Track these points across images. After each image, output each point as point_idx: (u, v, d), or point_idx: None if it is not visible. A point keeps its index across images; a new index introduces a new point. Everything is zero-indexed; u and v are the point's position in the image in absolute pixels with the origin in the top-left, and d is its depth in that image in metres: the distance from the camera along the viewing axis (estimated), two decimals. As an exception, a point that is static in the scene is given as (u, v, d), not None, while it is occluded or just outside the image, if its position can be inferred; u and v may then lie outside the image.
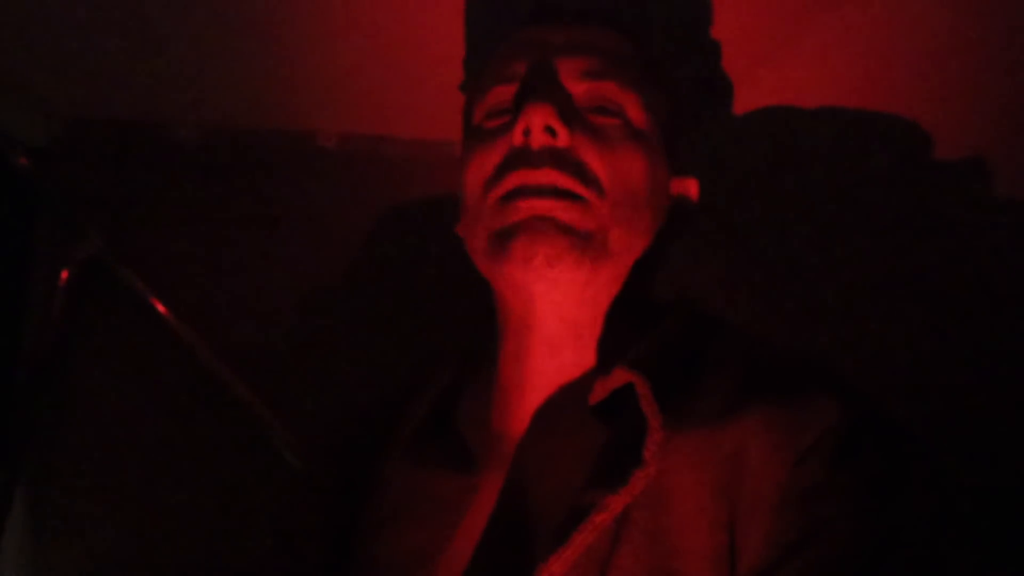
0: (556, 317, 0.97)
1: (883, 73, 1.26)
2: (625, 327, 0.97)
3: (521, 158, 0.93)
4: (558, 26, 1.01)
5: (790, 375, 0.90)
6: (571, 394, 0.97)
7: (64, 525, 1.38)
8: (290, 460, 1.36)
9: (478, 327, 1.08)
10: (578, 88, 0.97)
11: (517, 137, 0.94)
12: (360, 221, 1.47)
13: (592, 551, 0.84)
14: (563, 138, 0.93)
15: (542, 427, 0.97)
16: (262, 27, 1.28)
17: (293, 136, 1.47)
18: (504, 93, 0.99)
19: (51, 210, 1.43)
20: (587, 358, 0.98)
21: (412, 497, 1.00)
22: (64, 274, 1.39)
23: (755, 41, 1.23)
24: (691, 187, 1.07)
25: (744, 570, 0.82)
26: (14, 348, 1.42)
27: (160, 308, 1.39)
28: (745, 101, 1.31)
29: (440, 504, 0.97)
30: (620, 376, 0.91)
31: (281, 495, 1.34)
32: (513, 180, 0.93)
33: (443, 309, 1.38)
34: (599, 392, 0.92)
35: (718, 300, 1.34)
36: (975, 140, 1.30)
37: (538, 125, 0.92)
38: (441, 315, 1.38)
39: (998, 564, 1.23)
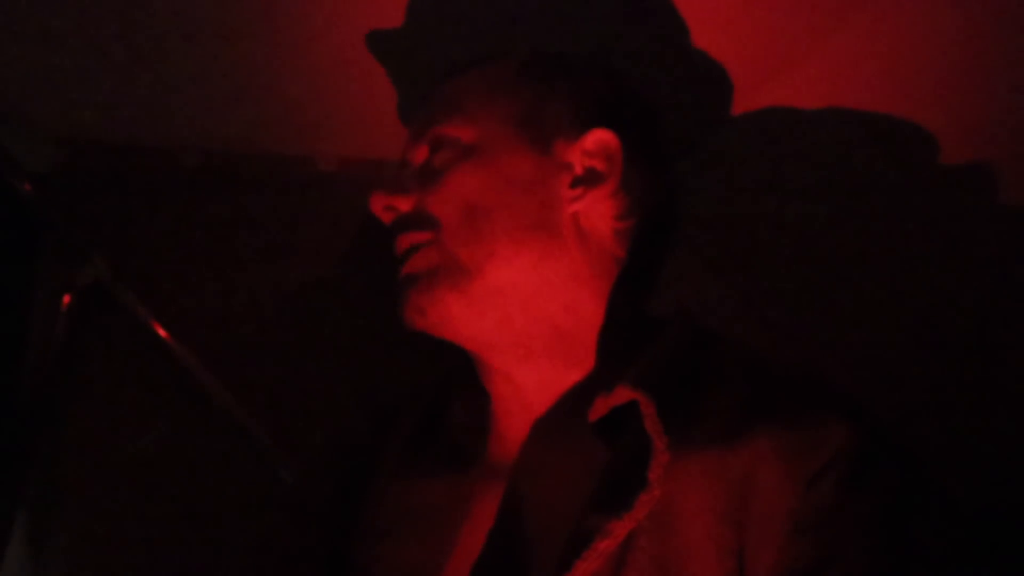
0: (486, 347, 0.99)
1: (886, 80, 1.25)
2: (619, 339, 0.96)
3: (390, 239, 1.03)
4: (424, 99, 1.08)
5: (797, 395, 0.89)
6: (565, 408, 0.96)
7: (65, 548, 1.39)
8: (288, 479, 1.36)
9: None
10: (419, 154, 1.04)
11: (384, 222, 1.04)
12: (359, 243, 1.47)
13: None
14: (403, 205, 1.01)
15: (539, 441, 0.96)
16: (262, 53, 1.29)
17: (294, 160, 1.48)
18: None
19: (53, 235, 1.43)
20: (571, 372, 0.97)
21: (407, 510, 0.99)
22: (66, 299, 1.39)
23: (758, 53, 1.23)
24: (602, 140, 1.00)
25: None
26: (16, 373, 1.42)
27: (161, 332, 1.39)
28: (746, 107, 1.30)
29: (435, 517, 0.96)
30: (623, 394, 0.89)
31: (277, 513, 1.34)
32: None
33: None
34: (600, 408, 0.91)
35: (721, 312, 1.34)
36: (978, 147, 1.30)
37: (378, 211, 1.03)
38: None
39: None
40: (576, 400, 0.95)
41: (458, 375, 1.07)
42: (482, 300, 0.96)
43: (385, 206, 1.02)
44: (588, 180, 0.99)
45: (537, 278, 0.97)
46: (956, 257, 1.34)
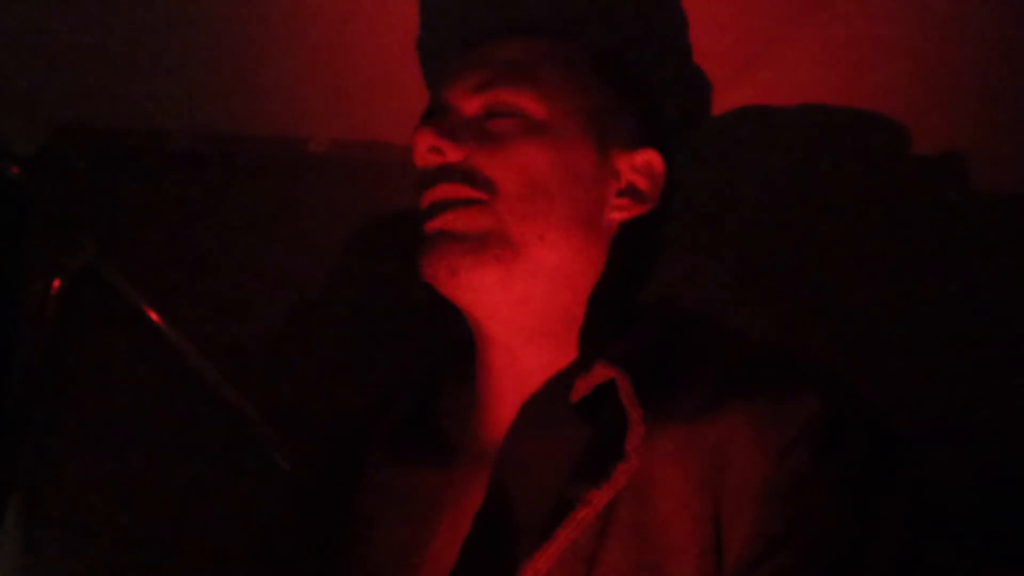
0: (495, 320, 0.99)
1: (863, 73, 1.26)
2: (606, 325, 0.99)
3: (423, 179, 1.01)
4: (463, 53, 1.06)
5: (771, 368, 0.91)
6: (552, 391, 0.98)
7: (57, 534, 1.38)
8: (281, 464, 1.36)
9: (462, 330, 1.08)
10: (471, 104, 1.01)
11: (417, 162, 1.01)
12: (352, 227, 1.47)
13: (577, 547, 0.84)
14: (452, 153, 0.98)
15: (525, 424, 0.98)
16: (252, 33, 1.28)
17: (284, 142, 1.47)
18: None
19: (43, 219, 1.42)
20: (563, 354, 0.99)
21: (394, 495, 1.00)
22: (56, 283, 1.38)
23: (736, 45, 1.23)
24: (651, 161, 1.04)
25: (731, 563, 0.83)
26: (7, 358, 1.41)
27: (153, 316, 1.39)
28: (727, 104, 1.31)
29: (422, 500, 0.97)
30: (601, 372, 0.92)
31: (274, 500, 1.34)
32: (422, 200, 1.00)
33: (433, 314, 1.37)
34: (581, 388, 0.93)
35: (709, 304, 1.35)
36: (956, 138, 1.30)
37: (423, 149, 0.99)
38: (430, 320, 1.37)
39: (980, 555, 1.22)
40: (561, 383, 0.97)
41: (449, 364, 1.08)
42: (517, 277, 0.96)
43: (432, 147, 0.99)
44: (632, 194, 1.02)
45: (567, 269, 0.99)
46: (933, 245, 1.35)
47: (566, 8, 1.19)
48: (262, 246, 1.46)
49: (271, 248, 1.46)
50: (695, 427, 0.87)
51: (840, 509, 0.83)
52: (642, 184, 1.03)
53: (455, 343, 1.09)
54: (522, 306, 0.98)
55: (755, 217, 1.37)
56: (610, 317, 1.00)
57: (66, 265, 1.38)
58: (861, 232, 1.36)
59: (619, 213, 1.01)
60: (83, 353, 1.43)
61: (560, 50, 1.04)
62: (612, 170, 1.02)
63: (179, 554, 1.37)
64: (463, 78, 1.02)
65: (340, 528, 1.03)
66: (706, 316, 1.03)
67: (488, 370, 1.02)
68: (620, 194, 1.02)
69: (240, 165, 1.47)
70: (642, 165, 1.03)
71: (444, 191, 0.98)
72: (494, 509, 0.93)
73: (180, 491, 1.39)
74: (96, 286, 1.40)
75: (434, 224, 0.98)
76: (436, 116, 1.02)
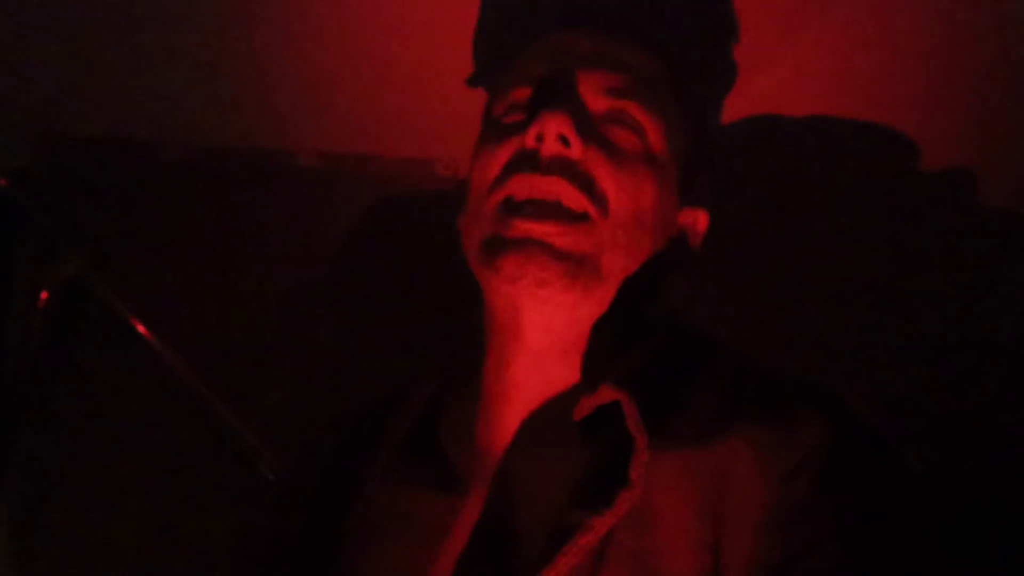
0: (543, 330, 0.95)
1: (868, 85, 1.26)
2: (612, 343, 0.96)
3: (530, 162, 0.93)
4: (587, 34, 0.99)
5: (775, 392, 0.89)
6: (556, 408, 0.96)
7: (46, 544, 1.38)
8: (269, 476, 1.36)
9: (462, 341, 1.08)
10: (599, 103, 0.96)
11: (529, 140, 0.93)
12: (342, 238, 1.47)
13: (576, 572, 0.83)
14: (576, 150, 0.92)
15: (526, 441, 0.96)
16: (243, 46, 1.28)
17: (274, 155, 1.47)
18: (525, 94, 0.98)
19: (31, 231, 1.42)
20: (572, 372, 0.96)
21: (395, 516, 0.98)
22: (44, 295, 1.38)
23: (737, 55, 1.23)
24: (700, 219, 1.04)
25: None
26: (-7, 369, 1.41)
27: (140, 327, 1.38)
28: (728, 115, 1.31)
29: (424, 525, 0.95)
30: (606, 394, 0.90)
31: (259, 510, 1.33)
32: (518, 183, 0.93)
33: (425, 326, 1.38)
34: (584, 408, 0.91)
35: (707, 315, 1.35)
36: (962, 150, 1.31)
37: (552, 133, 0.92)
38: (423, 332, 1.37)
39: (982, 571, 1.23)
40: (563, 401, 0.95)
41: (452, 382, 1.06)
42: (589, 301, 0.95)
43: (561, 135, 0.91)
44: (677, 247, 1.01)
45: (615, 291, 0.97)
46: (939, 259, 1.35)
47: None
48: (251, 258, 1.46)
49: (260, 260, 1.46)
50: (697, 452, 0.86)
51: (841, 540, 0.82)
52: (692, 240, 1.03)
53: (457, 359, 1.07)
54: (574, 324, 0.95)
55: (755, 228, 1.37)
56: (616, 334, 0.97)
57: (54, 277, 1.38)
58: (863, 243, 1.36)
59: (664, 258, 0.99)
60: (70, 365, 1.42)
61: (673, 77, 1.01)
62: (674, 220, 1.01)
63: (165, 562, 1.37)
64: (596, 72, 0.96)
65: (333, 541, 1.01)
66: (710, 333, 1.01)
67: (495, 381, 0.99)
68: (671, 241, 1.00)
69: (230, 178, 1.47)
70: (693, 222, 1.03)
71: (562, 187, 0.92)
72: (492, 528, 0.92)
73: (167, 500, 1.38)
74: (84, 298, 1.39)
75: (534, 228, 0.91)
76: (564, 99, 0.94)
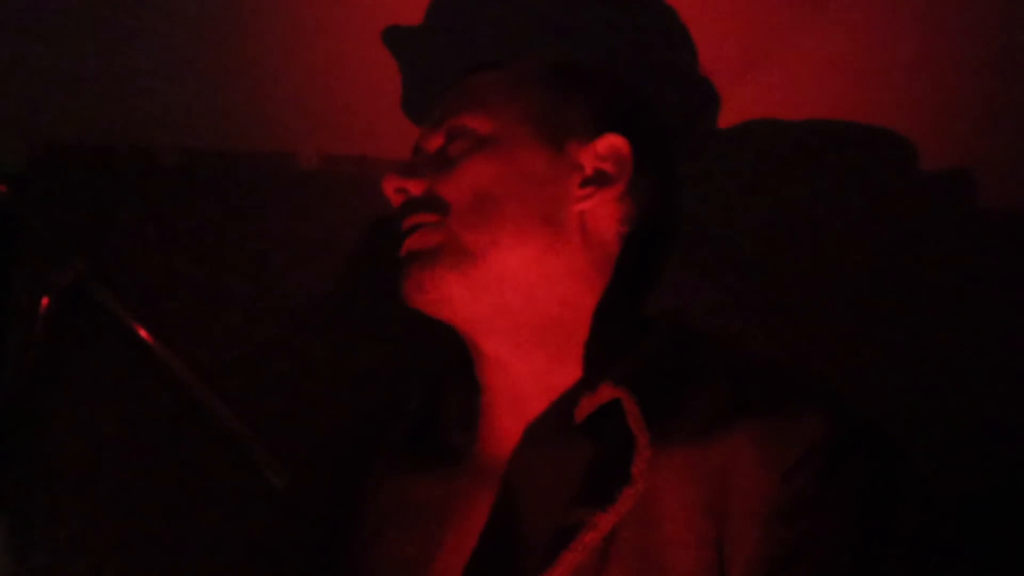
0: (483, 333, 1.00)
1: (864, 86, 1.26)
2: (611, 340, 0.98)
3: (395, 219, 1.06)
4: (450, 86, 1.09)
5: (776, 388, 0.91)
6: (558, 407, 0.98)
7: (46, 552, 1.38)
8: (274, 481, 1.35)
9: (460, 344, 1.08)
10: (435, 139, 1.06)
11: (392, 208, 1.06)
12: (343, 242, 1.47)
13: (581, 570, 0.85)
14: (413, 188, 1.03)
15: (530, 440, 0.98)
16: (242, 50, 1.28)
17: (274, 158, 1.47)
18: None
19: (31, 237, 1.41)
20: (565, 369, 0.99)
21: (399, 506, 1.01)
22: (45, 301, 1.37)
23: (734, 56, 1.24)
24: (614, 143, 1.03)
25: None
26: (-6, 376, 1.40)
27: (142, 333, 1.38)
28: (725, 117, 1.31)
29: (427, 512, 0.98)
30: (607, 392, 0.92)
31: (267, 518, 1.34)
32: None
33: (427, 329, 1.37)
34: (585, 408, 0.93)
35: (706, 316, 1.35)
36: (960, 151, 1.31)
37: (390, 192, 1.05)
38: (425, 335, 1.37)
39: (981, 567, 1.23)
40: (566, 400, 0.97)
41: (451, 373, 1.09)
42: (481, 284, 0.98)
43: (397, 188, 1.04)
44: (597, 181, 1.02)
45: (538, 270, 0.99)
46: (934, 259, 1.36)
47: (566, 20, 1.19)
48: (252, 262, 1.46)
49: (262, 264, 1.46)
50: (699, 448, 0.88)
51: (844, 533, 0.83)
52: (609, 168, 1.02)
53: (457, 355, 1.09)
54: (499, 312, 0.99)
55: (754, 231, 1.37)
56: (615, 331, 1.00)
57: (54, 283, 1.37)
58: (863, 245, 1.37)
59: (584, 203, 1.01)
60: (72, 371, 1.42)
61: (507, 71, 1.07)
62: (573, 164, 1.02)
63: (170, 569, 1.37)
64: (427, 119, 1.08)
65: (342, 540, 1.04)
66: (711, 331, 1.03)
67: (485, 383, 1.03)
68: (583, 183, 1.02)
69: (230, 181, 1.47)
70: (605, 151, 1.03)
71: (407, 221, 1.03)
72: (499, 526, 0.94)
73: (170, 509, 1.38)
74: (85, 304, 1.39)
75: (403, 249, 1.02)
76: (404, 162, 1.07)
